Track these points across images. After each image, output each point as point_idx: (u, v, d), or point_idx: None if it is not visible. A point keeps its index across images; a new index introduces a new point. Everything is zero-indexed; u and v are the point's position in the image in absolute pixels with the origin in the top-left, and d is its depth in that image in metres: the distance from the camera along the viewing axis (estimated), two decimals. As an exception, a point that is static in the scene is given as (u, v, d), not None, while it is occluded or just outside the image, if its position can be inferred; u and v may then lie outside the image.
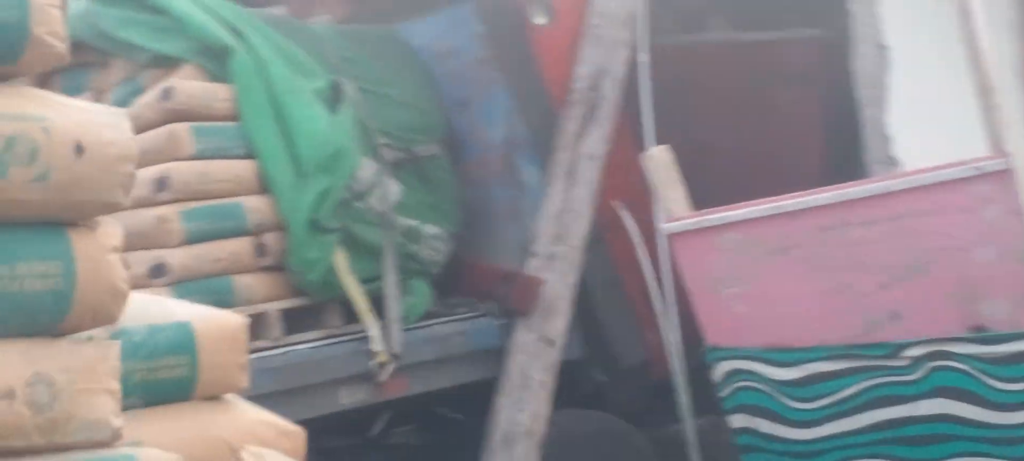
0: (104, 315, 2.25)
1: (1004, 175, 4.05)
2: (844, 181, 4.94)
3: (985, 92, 4.10)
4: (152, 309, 2.66)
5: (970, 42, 4.09)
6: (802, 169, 5.79)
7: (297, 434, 2.71)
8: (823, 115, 5.81)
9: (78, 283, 2.16)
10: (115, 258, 2.25)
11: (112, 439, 2.21)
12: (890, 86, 5.06)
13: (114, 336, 2.30)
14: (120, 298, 2.26)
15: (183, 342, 2.58)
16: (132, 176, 2.25)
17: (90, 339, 2.23)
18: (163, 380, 2.54)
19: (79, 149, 2.10)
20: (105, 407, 2.19)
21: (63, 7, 1.98)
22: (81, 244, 2.19)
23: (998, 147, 4.16)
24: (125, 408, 2.27)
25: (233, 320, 2.70)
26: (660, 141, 5.68)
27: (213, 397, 2.65)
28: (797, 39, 5.96)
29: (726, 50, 6.09)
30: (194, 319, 2.65)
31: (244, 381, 2.66)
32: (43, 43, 1.96)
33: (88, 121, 2.08)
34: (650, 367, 5.56)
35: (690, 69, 6.07)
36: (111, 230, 2.27)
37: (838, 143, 5.65)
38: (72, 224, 2.20)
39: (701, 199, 5.29)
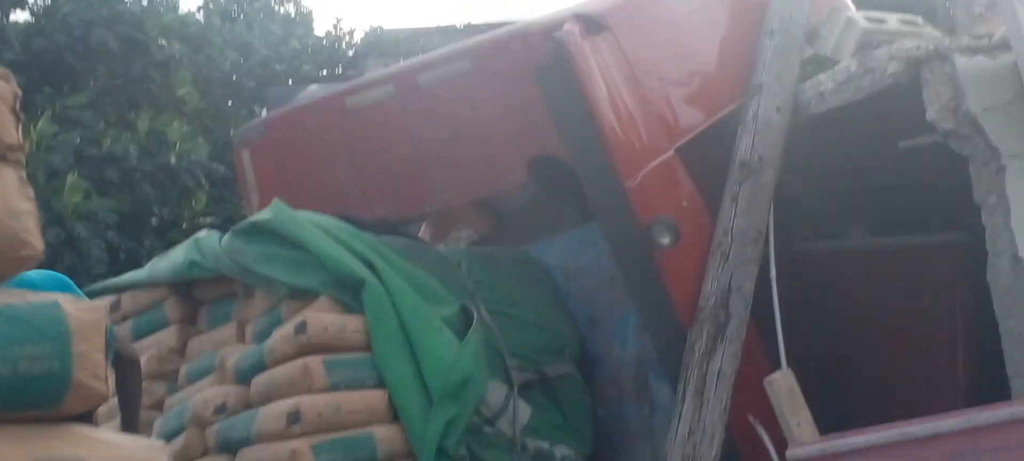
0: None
1: None
2: (989, 393, 4.81)
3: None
4: None
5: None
6: (944, 379, 5.65)
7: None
8: (965, 323, 5.65)
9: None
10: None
11: None
12: (1029, 298, 4.88)
13: None
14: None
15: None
16: None
17: None
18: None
19: None
20: None
21: (106, 351, 2.10)
22: None
23: None
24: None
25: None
26: (798, 351, 5.61)
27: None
28: (937, 244, 5.84)
29: (864, 256, 6.00)
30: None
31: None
32: (84, 387, 2.09)
33: (122, 458, 2.18)
34: None
35: (829, 275, 6.02)
36: None
37: (981, 352, 5.48)
38: None
39: (840, 411, 5.19)
